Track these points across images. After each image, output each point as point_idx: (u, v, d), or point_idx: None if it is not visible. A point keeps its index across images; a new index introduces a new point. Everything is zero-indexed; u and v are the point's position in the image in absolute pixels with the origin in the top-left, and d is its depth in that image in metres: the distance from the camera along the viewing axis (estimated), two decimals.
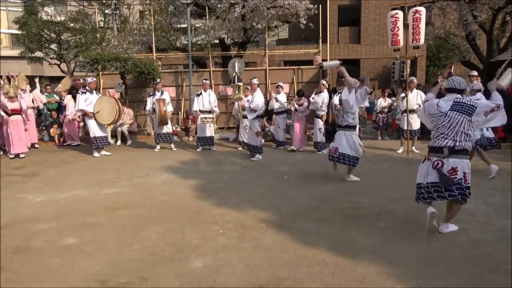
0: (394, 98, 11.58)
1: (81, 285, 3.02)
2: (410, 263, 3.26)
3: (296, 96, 9.26)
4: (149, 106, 9.19)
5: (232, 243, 3.74)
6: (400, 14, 8.09)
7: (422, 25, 7.94)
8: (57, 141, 10.27)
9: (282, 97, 9.21)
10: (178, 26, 15.06)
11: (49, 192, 5.66)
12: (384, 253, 3.47)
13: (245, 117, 8.40)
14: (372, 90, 13.27)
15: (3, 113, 8.42)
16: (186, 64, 14.57)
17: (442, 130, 3.73)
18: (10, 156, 8.45)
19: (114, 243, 3.79)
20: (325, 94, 8.62)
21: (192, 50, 12.62)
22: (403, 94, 8.73)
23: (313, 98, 8.76)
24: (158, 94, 9.10)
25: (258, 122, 7.96)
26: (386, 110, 11.18)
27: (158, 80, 9.50)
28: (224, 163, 7.66)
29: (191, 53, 12.26)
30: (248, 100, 8.27)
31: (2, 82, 8.84)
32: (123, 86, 11.60)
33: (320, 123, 8.69)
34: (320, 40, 13.53)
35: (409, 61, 8.88)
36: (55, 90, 10.46)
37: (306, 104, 8.85)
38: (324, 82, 8.84)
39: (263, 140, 8.30)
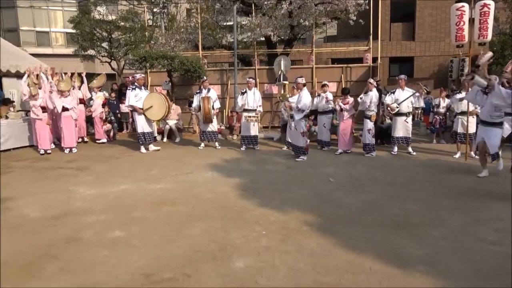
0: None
1: (127, 278, 3.16)
2: (466, 277, 3.10)
3: (341, 95, 9.07)
4: (195, 104, 9.42)
5: (274, 245, 3.75)
6: (466, 7, 7.65)
7: (490, 20, 7.42)
8: (106, 137, 10.78)
9: (329, 97, 9.08)
10: (224, 24, 15.30)
11: (98, 186, 5.98)
12: (437, 264, 3.32)
13: (291, 117, 8.36)
14: (429, 90, 12.67)
15: (58, 108, 8.96)
16: (231, 62, 14.79)
17: None
18: (41, 151, 8.87)
19: (159, 238, 3.93)
20: (373, 94, 8.38)
21: (237, 48, 12.79)
22: (459, 95, 8.27)
23: (361, 98, 8.56)
24: (204, 91, 9.30)
25: (304, 122, 7.90)
26: (443, 111, 10.63)
27: (205, 78, 9.72)
28: (268, 163, 7.69)
29: (236, 51, 12.42)
30: (288, 99, 8.22)
31: (56, 78, 9.45)
32: (170, 84, 11.98)
33: (369, 124, 8.46)
34: (371, 36, 13.19)
35: (468, 59, 8.40)
36: (89, 85, 10.83)
37: (352, 102, 8.65)
38: (372, 80, 8.60)
39: (308, 141, 8.23)
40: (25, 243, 3.85)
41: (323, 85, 9.27)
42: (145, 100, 8.83)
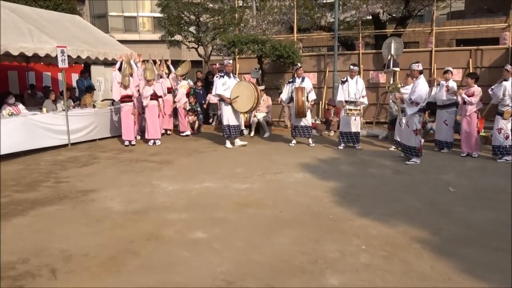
0: None
1: (208, 282, 3.33)
2: None
3: (468, 80, 8.34)
4: (286, 95, 9.50)
5: (376, 262, 3.63)
6: None
7: None
8: (190, 129, 11.44)
9: (452, 87, 8.49)
10: (324, 1, 15.15)
11: (181, 182, 6.39)
12: None
13: (403, 111, 7.99)
14: None
15: (146, 97, 9.72)
16: (330, 46, 14.63)
17: None
18: (126, 142, 9.67)
19: (242, 243, 4.06)
20: (508, 84, 7.60)
21: (339, 29, 12.58)
22: None
23: (492, 89, 7.85)
24: (298, 81, 9.34)
25: (418, 117, 7.51)
26: None
27: (299, 65, 9.69)
28: (371, 165, 7.49)
29: (337, 32, 12.22)
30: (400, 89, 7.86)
31: (143, 66, 10.26)
32: (260, 71, 12.26)
33: (500, 122, 7.73)
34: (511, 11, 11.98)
35: None
36: (174, 73, 11.48)
37: (478, 93, 7.95)
38: (510, 67, 7.78)
39: (422, 140, 7.80)
40: (107, 236, 4.28)
41: (445, 72, 8.69)
42: (233, 89, 9.14)
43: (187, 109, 11.23)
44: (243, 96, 9.06)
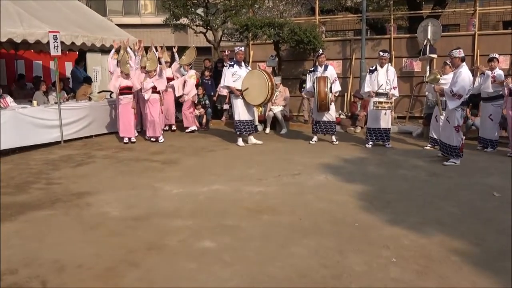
0: None
1: None
2: None
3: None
4: (309, 85, 9.47)
5: (408, 277, 3.61)
6: None
7: None
8: (198, 125, 11.50)
9: (499, 76, 8.39)
10: None
11: (187, 184, 6.43)
12: None
13: (442, 104, 7.90)
14: None
15: (146, 90, 9.77)
16: (357, 30, 14.53)
17: None
18: (125, 139, 9.78)
19: (255, 254, 4.07)
20: None
21: (367, 10, 12.52)
22: None
23: None
24: (320, 69, 9.31)
25: (460, 112, 7.44)
26: None
27: (321, 52, 9.68)
28: (403, 166, 7.46)
29: (365, 14, 12.14)
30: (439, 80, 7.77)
31: (140, 53, 10.31)
32: (276, 59, 12.26)
33: None
34: None
35: None
36: (178, 62, 11.43)
37: None
38: None
39: (464, 138, 7.72)
40: (103, 245, 4.32)
41: (491, 59, 8.62)
42: (244, 80, 9.14)
43: (195, 101, 11.28)
44: (255, 86, 9.04)
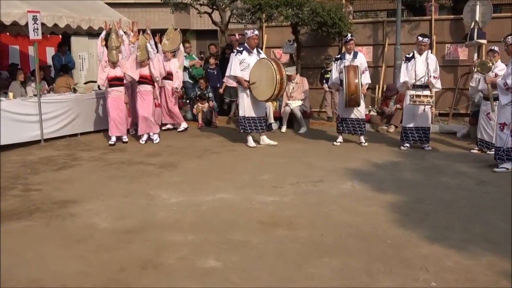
0: None
1: None
2: None
3: None
4: (335, 76, 9.43)
5: None
6: None
7: None
8: (199, 122, 11.54)
9: None
10: None
11: (188, 192, 6.46)
12: None
13: (496, 99, 7.85)
14: None
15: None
16: (392, 10, 14.47)
17: None
18: (113, 138, 9.82)
19: (268, 275, 4.08)
20: None
21: None
22: None
23: None
24: (348, 57, 9.30)
25: (510, 107, 7.38)
26: None
27: (350, 37, 9.59)
28: (445, 173, 7.43)
29: None
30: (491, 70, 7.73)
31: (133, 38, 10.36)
32: (295, 45, 12.24)
33: None
34: None
35: None
36: (161, 48, 10.72)
37: None
38: None
39: None
40: (90, 262, 4.35)
41: None
42: (252, 70, 9.09)
43: (197, 94, 11.33)
44: (261, 79, 8.95)
